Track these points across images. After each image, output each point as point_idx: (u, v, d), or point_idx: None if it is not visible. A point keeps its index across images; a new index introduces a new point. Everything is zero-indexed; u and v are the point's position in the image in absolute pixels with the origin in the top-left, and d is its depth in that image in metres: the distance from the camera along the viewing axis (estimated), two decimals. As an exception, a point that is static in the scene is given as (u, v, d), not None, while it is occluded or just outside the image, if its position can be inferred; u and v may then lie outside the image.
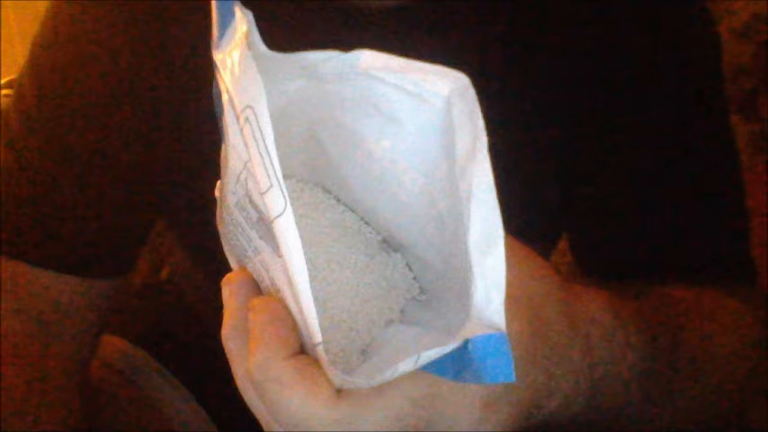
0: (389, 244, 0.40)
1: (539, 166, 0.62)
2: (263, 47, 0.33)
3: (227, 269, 0.39)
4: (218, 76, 0.33)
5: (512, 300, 0.32)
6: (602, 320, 0.42)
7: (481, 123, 0.31)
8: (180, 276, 0.78)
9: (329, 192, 0.41)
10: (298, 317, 0.33)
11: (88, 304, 0.65)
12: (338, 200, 0.41)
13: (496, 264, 0.30)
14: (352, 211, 0.41)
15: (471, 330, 0.30)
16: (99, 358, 0.70)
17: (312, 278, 0.34)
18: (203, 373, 0.67)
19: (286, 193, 0.30)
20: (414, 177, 0.35)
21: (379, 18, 0.57)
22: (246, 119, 0.30)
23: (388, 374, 0.30)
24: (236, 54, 0.31)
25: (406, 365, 0.30)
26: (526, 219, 0.50)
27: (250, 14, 0.32)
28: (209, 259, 0.52)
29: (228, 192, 0.36)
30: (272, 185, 0.30)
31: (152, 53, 0.60)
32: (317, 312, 0.31)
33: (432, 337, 0.34)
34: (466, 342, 0.30)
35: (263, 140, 0.30)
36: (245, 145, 0.31)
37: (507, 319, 0.30)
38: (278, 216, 0.30)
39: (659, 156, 0.61)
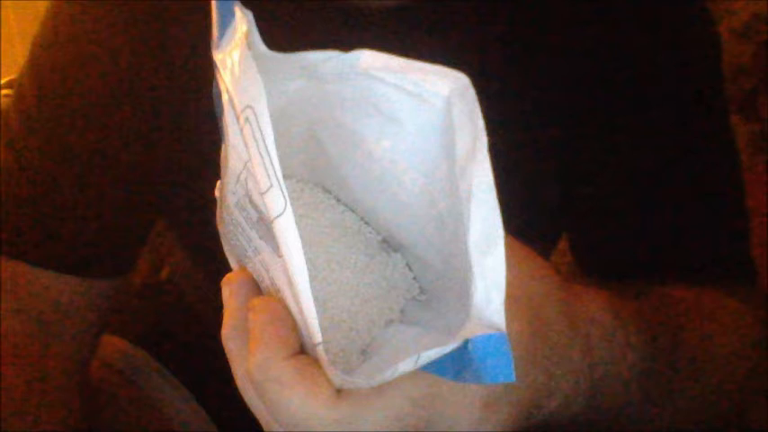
0: (389, 244, 0.40)
1: (539, 166, 0.62)
2: (263, 47, 0.33)
3: (227, 269, 0.39)
4: (218, 76, 0.33)
5: (512, 300, 0.32)
6: (602, 320, 0.42)
7: (481, 123, 0.31)
8: (180, 276, 0.78)
9: (329, 192, 0.41)
10: (298, 317, 0.33)
11: (88, 304, 0.65)
12: (338, 200, 0.41)
13: (496, 264, 0.30)
14: (352, 211, 0.41)
15: (471, 330, 0.30)
16: (99, 358, 0.70)
17: (312, 278, 0.34)
18: (203, 373, 0.67)
19: (286, 193, 0.30)
20: (414, 177, 0.35)
21: (379, 18, 0.57)
22: (246, 119, 0.30)
23: (388, 374, 0.30)
24: (236, 54, 0.31)
25: (406, 365, 0.30)
26: (526, 219, 0.50)
27: (250, 14, 0.32)
28: (209, 259, 0.52)
29: (228, 192, 0.36)
30: (272, 185, 0.30)
31: (152, 53, 0.60)
32: (317, 312, 0.31)
33: (432, 337, 0.34)
34: (466, 342, 0.30)
35: (263, 140, 0.30)
36: (245, 145, 0.31)
37: (507, 319, 0.30)
38: (278, 216, 0.30)
39: (659, 156, 0.61)
